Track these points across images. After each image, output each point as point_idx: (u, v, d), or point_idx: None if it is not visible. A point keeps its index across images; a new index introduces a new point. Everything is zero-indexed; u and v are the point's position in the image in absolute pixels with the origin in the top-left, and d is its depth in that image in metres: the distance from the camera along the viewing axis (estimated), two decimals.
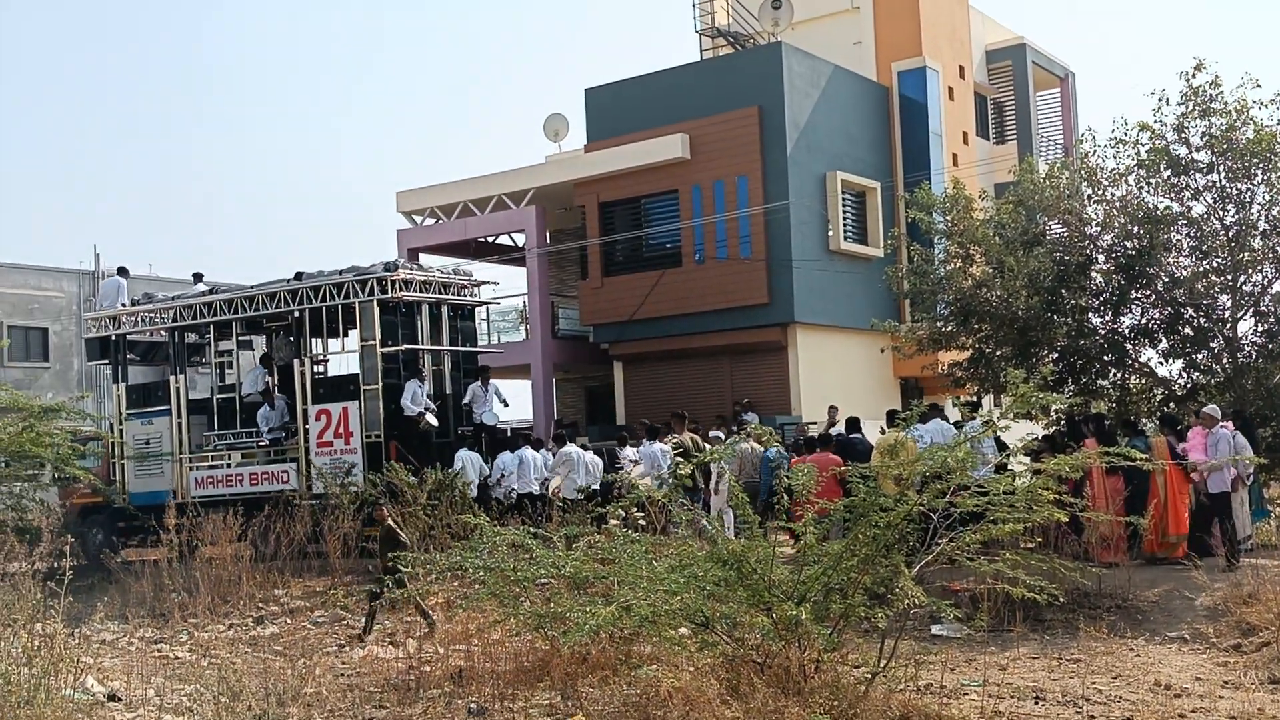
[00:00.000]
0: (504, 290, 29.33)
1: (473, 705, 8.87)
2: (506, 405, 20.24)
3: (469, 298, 20.10)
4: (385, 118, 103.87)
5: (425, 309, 19.15)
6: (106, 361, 21.32)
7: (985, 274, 18.57)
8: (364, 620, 13.74)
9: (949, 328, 19.40)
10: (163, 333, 20.92)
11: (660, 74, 26.32)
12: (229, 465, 19.57)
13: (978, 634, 11.74)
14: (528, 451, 18.23)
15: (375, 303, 18.15)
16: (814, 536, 8.32)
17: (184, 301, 20.39)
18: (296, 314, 19.13)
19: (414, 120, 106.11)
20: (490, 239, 29.28)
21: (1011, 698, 9.22)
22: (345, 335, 19.62)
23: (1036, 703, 9.05)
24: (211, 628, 14.70)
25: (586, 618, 7.65)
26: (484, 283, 20.66)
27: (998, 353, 18.69)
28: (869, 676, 8.22)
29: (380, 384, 18.11)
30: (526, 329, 27.40)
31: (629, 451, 17.91)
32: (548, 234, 28.30)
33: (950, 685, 9.64)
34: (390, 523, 13.87)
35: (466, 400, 19.39)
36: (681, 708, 6.76)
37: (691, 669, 8.16)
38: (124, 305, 21.51)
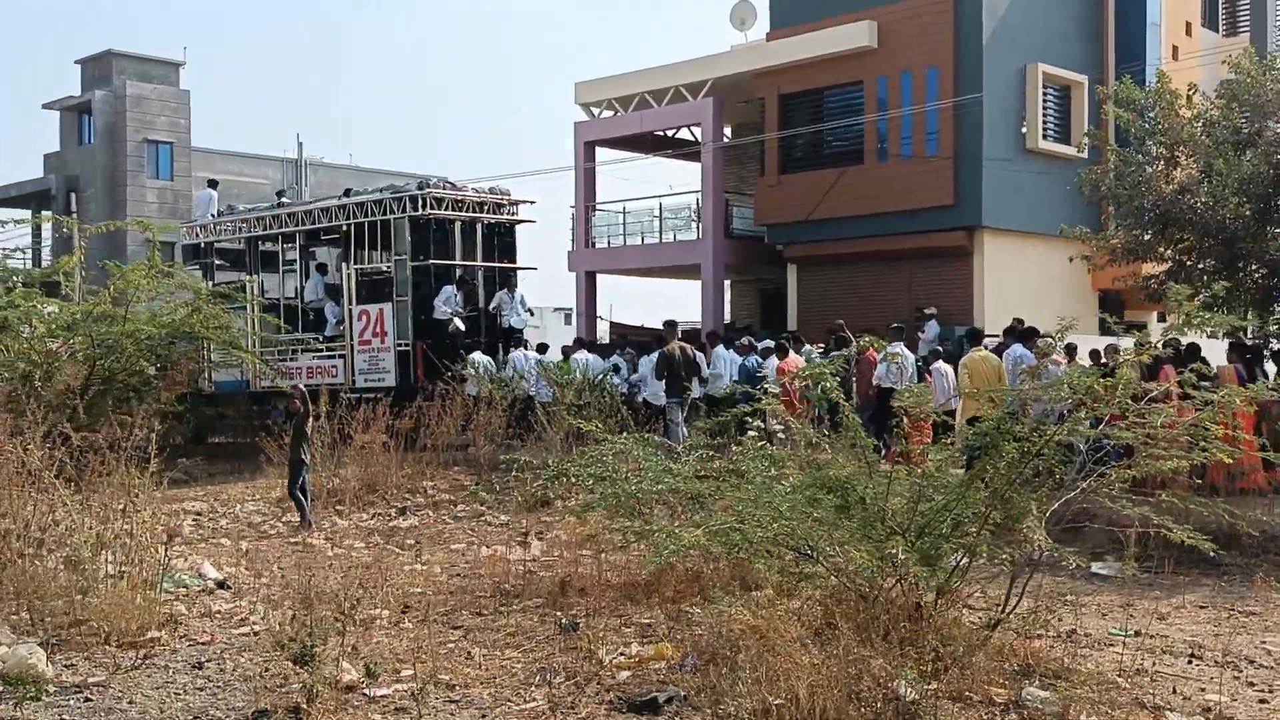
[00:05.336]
0: (682, 186, 28.67)
1: (564, 620, 8.43)
2: (531, 314, 21.71)
3: (506, 215, 21.01)
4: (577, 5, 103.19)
5: (458, 226, 20.29)
6: (198, 265, 22.99)
7: (1190, 178, 16.76)
8: (298, 514, 13.80)
9: (1147, 236, 17.68)
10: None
11: None
12: (292, 359, 21.16)
13: (1143, 576, 10.69)
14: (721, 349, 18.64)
15: (407, 219, 19.51)
16: (934, 465, 7.45)
17: (256, 214, 22.36)
18: (344, 228, 20.62)
19: (605, 8, 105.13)
20: (668, 132, 28.47)
21: (1164, 653, 8.20)
22: (386, 248, 20.67)
23: (1190, 662, 8.01)
24: (355, 516, 14.79)
25: (670, 541, 7.05)
26: (522, 201, 21.46)
27: (1200, 265, 16.94)
28: (990, 623, 7.37)
29: (410, 295, 19.44)
30: (699, 227, 26.60)
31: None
32: (727, 128, 27.31)
33: (1097, 633, 8.69)
34: (303, 411, 13.86)
35: (494, 306, 20.51)
36: (758, 647, 6.12)
37: (797, 601, 7.52)
38: (213, 216, 23.46)
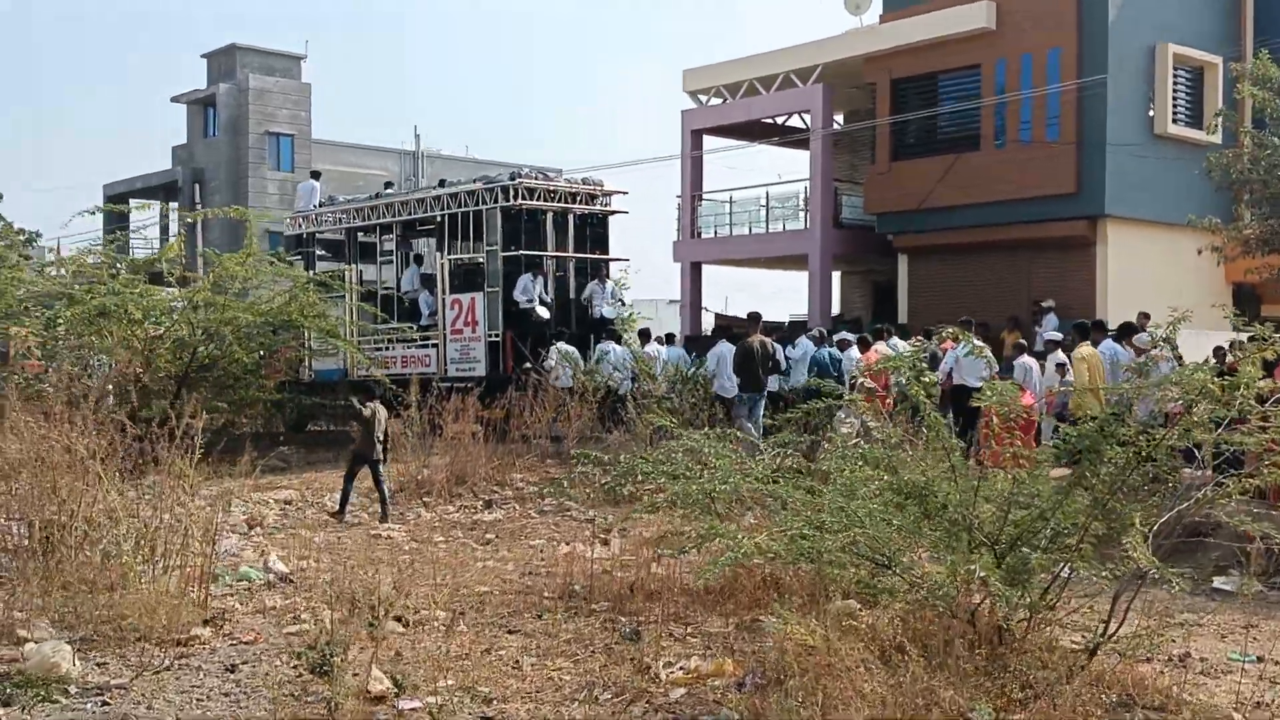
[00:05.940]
0: (791, 175, 27.90)
1: (626, 628, 7.94)
2: (623, 303, 22.00)
3: (598, 206, 20.94)
4: None
5: (550, 216, 20.22)
6: (300, 254, 22.94)
7: None
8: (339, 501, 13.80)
9: None
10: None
11: None
12: (387, 349, 21.23)
13: (1270, 594, 9.76)
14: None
15: (499, 210, 19.54)
16: (1027, 472, 6.75)
17: (356, 205, 22.65)
18: (439, 218, 20.72)
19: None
20: (777, 120, 27.72)
21: None
22: (479, 239, 20.62)
23: None
24: (441, 508, 14.52)
25: (733, 549, 6.49)
26: (615, 192, 21.27)
27: None
28: (1089, 647, 6.65)
29: (501, 286, 19.46)
30: (806, 217, 25.79)
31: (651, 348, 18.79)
32: (838, 115, 26.43)
33: (1214, 658, 7.86)
34: (368, 412, 13.62)
35: (586, 296, 20.50)
36: (816, 670, 5.53)
37: (874, 616, 6.91)
38: (315, 207, 23.61)
